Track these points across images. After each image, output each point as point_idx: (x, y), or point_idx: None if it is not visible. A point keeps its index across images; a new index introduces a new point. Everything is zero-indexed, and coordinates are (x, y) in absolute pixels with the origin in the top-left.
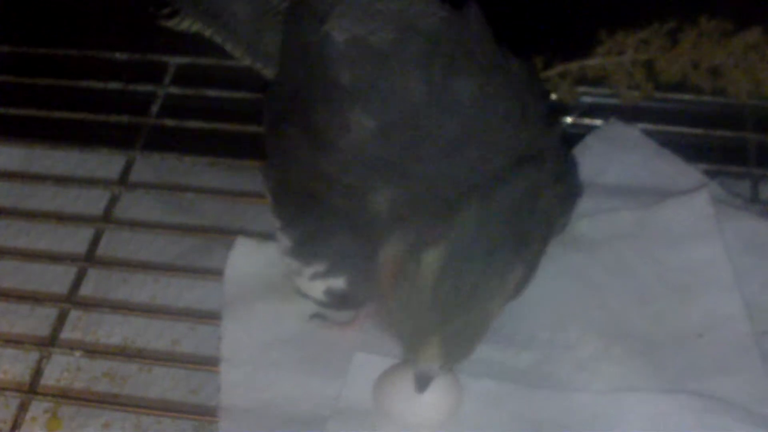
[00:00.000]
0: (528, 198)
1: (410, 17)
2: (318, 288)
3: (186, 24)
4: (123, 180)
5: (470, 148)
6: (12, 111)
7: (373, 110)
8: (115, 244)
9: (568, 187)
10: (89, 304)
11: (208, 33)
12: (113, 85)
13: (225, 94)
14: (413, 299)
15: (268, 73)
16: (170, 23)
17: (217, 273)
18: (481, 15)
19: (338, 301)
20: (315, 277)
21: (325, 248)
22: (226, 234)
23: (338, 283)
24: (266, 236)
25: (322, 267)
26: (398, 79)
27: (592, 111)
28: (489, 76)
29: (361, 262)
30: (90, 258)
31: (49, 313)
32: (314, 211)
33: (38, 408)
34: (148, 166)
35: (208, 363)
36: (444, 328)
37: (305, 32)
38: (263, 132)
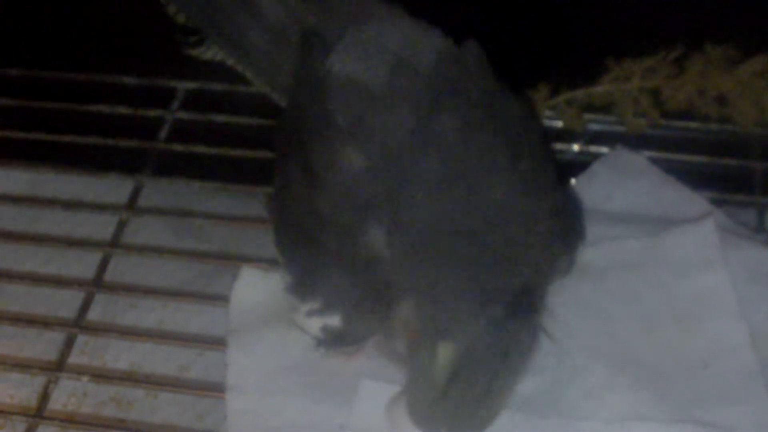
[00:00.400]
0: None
1: (408, 53)
2: (315, 325)
3: (210, 53)
4: (131, 205)
5: (456, 187)
6: (20, 134)
7: (364, 148)
8: (123, 268)
9: (569, 224)
10: (97, 329)
11: (231, 62)
12: (122, 110)
13: (233, 119)
14: (425, 387)
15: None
16: (196, 52)
17: (225, 299)
18: (480, 51)
19: (335, 338)
20: (311, 314)
21: (320, 286)
22: (234, 259)
23: (333, 320)
24: (273, 263)
25: (318, 304)
26: (388, 117)
27: (598, 138)
28: (478, 112)
29: (355, 302)
30: (98, 283)
31: (57, 337)
32: (310, 249)
33: None
34: (157, 191)
35: (215, 389)
36: (453, 421)
37: (314, 64)
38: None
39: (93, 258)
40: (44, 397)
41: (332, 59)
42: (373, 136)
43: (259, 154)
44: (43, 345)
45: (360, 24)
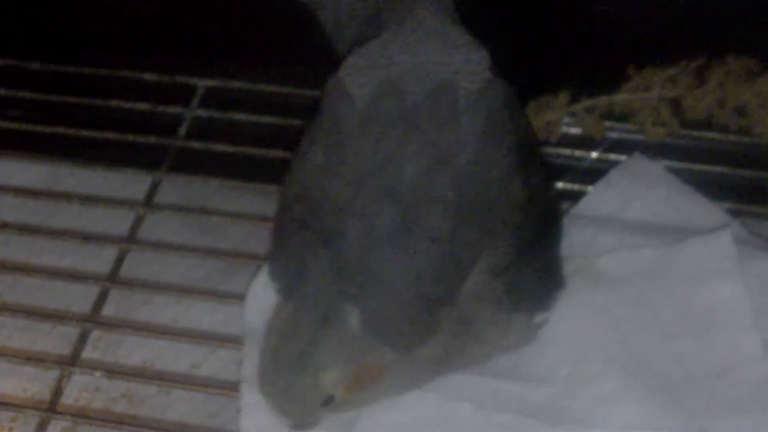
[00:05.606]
0: None
1: (406, 75)
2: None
3: None
4: (148, 201)
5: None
6: (39, 128)
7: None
8: (139, 265)
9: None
10: (110, 325)
11: None
12: (141, 106)
13: (252, 118)
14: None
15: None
16: None
17: (239, 297)
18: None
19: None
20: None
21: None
22: (249, 258)
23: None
24: None
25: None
26: (362, 140)
27: (617, 146)
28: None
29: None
30: (113, 278)
31: (71, 332)
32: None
33: (56, 427)
34: (174, 188)
35: (227, 387)
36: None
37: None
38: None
39: (109, 253)
40: (57, 391)
41: (346, 65)
42: (348, 158)
43: (278, 153)
44: (57, 339)
45: (395, 26)
